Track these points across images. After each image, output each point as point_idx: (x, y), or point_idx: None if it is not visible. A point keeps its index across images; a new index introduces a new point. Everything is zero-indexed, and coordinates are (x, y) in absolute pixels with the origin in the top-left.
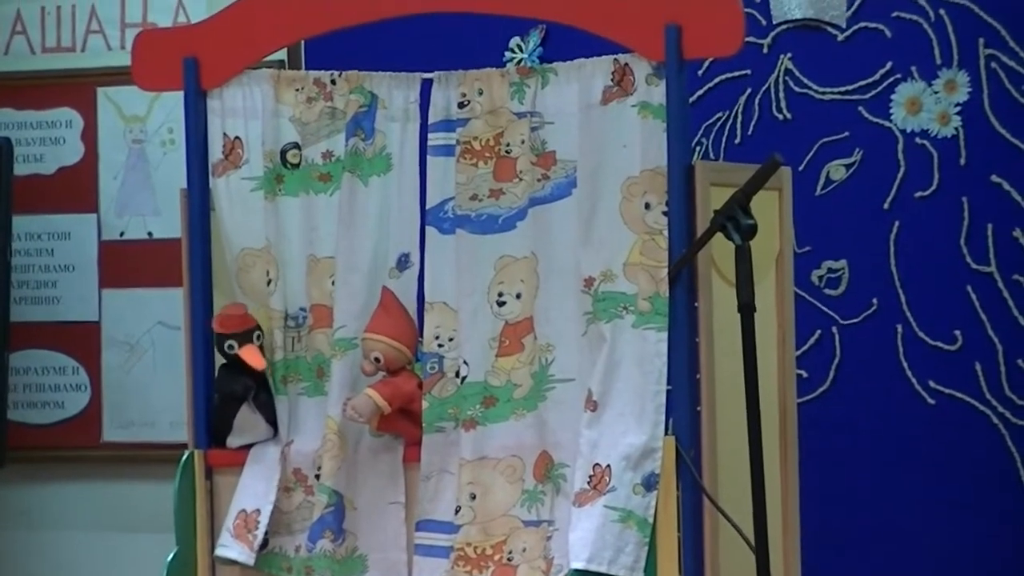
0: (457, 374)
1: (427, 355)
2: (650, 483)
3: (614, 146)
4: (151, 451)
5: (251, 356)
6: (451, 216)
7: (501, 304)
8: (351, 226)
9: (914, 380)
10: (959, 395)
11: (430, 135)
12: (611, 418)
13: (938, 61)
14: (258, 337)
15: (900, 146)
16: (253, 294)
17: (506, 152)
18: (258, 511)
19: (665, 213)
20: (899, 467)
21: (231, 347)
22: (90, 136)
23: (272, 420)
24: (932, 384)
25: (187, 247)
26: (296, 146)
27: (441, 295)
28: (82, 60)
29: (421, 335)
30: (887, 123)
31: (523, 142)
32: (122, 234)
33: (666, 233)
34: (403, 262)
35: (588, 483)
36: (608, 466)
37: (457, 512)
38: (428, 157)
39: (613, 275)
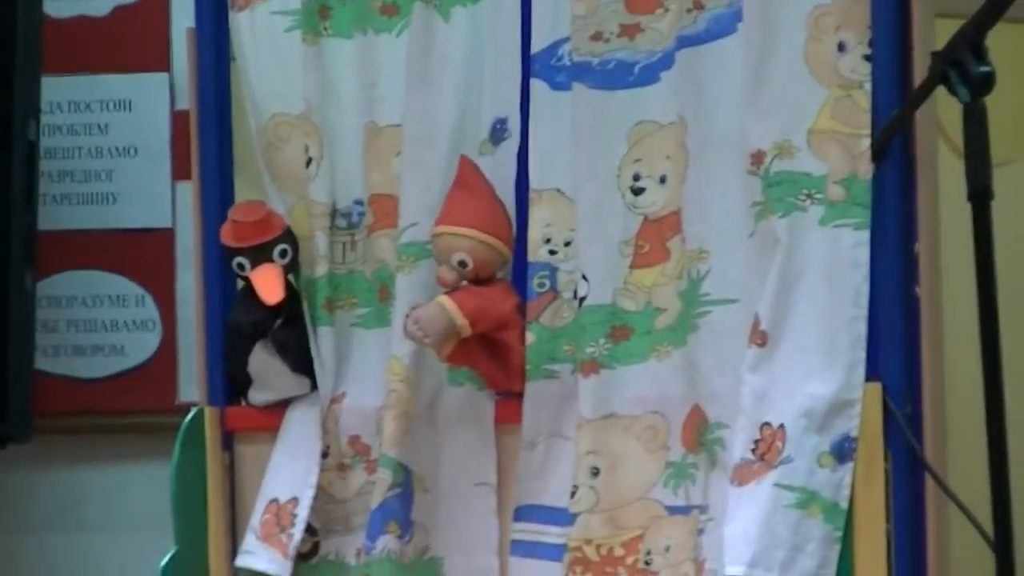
0: (575, 294)
1: (533, 265)
2: (843, 452)
3: None
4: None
5: (264, 282)
6: (567, 64)
7: (638, 192)
8: (426, 80)
9: None
10: None
11: None
12: (787, 356)
13: None
14: (283, 253)
15: None
16: (287, 180)
17: None
18: (295, 500)
19: (868, 57)
20: None
21: (241, 267)
22: None
23: (301, 367)
24: None
25: (196, 111)
26: None
27: (553, 179)
28: None
29: (520, 235)
30: None
31: None
32: None
33: (869, 87)
34: (499, 131)
35: (752, 452)
36: (781, 426)
37: (573, 495)
38: None
39: (793, 148)
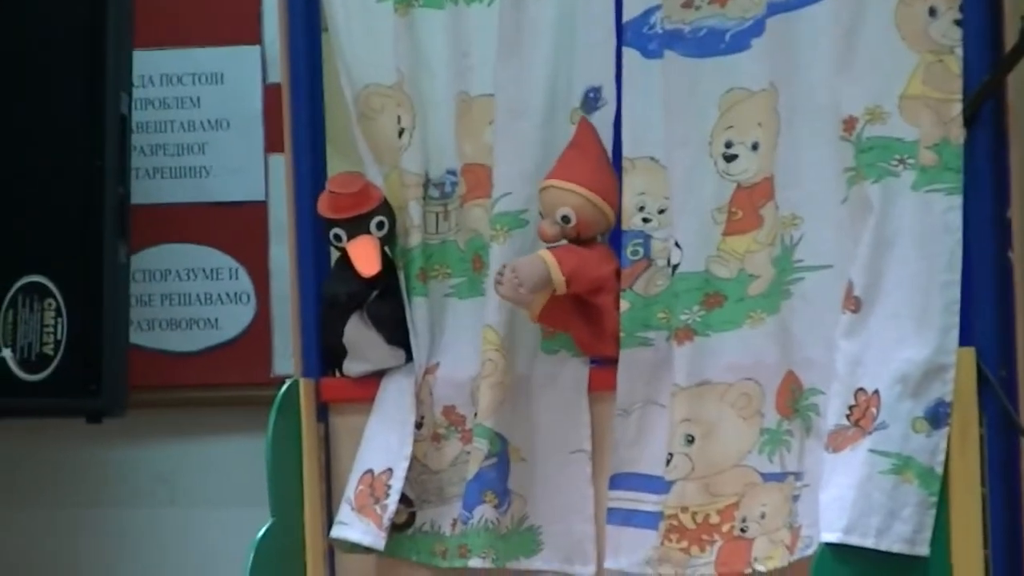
0: (668, 262)
1: (627, 233)
2: (938, 417)
3: None
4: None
5: (361, 254)
6: (659, 32)
7: (730, 159)
8: (517, 50)
9: None
10: None
11: None
12: (881, 322)
13: None
14: (380, 225)
15: None
16: (380, 150)
17: None
18: (389, 471)
19: (958, 22)
20: None
21: (338, 238)
22: None
23: (396, 339)
24: None
25: (288, 84)
26: None
27: (646, 147)
28: None
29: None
30: None
31: None
32: None
33: (960, 52)
34: (592, 100)
35: (847, 418)
36: (876, 392)
37: (668, 462)
38: None
39: (884, 113)
